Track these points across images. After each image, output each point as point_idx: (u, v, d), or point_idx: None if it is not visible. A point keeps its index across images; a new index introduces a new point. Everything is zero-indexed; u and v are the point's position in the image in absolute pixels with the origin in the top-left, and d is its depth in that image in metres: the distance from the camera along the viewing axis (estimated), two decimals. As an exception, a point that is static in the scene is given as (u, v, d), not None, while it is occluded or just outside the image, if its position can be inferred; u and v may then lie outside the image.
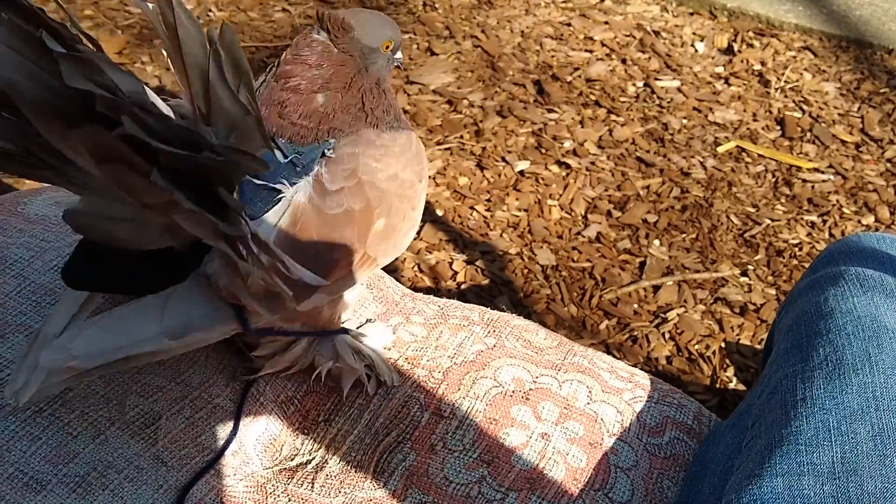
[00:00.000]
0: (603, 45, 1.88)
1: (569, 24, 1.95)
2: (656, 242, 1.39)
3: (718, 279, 1.33)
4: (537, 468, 0.63)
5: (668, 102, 1.71)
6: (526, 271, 1.33)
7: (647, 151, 1.58)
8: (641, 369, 0.81)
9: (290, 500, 0.60)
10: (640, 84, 1.76)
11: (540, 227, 1.41)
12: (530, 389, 0.69)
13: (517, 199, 1.46)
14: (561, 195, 1.47)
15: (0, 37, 0.37)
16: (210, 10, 1.94)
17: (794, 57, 1.86)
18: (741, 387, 1.18)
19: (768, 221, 1.44)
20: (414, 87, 1.72)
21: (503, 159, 1.54)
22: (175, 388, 0.63)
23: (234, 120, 0.45)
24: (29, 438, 0.57)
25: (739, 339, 1.24)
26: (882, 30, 1.90)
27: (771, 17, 1.95)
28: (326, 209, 0.56)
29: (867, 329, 0.62)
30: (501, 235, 1.39)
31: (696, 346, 1.22)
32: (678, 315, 1.26)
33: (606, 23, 1.95)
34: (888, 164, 1.57)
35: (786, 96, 1.74)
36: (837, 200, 1.49)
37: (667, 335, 1.24)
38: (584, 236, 1.40)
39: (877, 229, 1.44)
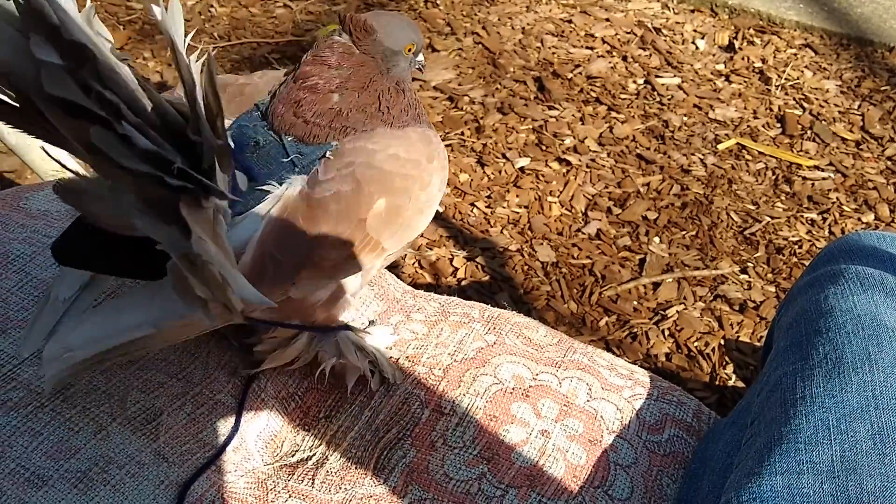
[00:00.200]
0: (604, 41, 1.87)
1: (570, 21, 1.94)
2: (656, 239, 1.39)
3: (718, 276, 1.33)
4: (537, 465, 0.63)
5: (669, 100, 1.71)
6: (526, 268, 1.33)
7: (648, 148, 1.58)
8: (641, 366, 0.81)
9: (290, 496, 0.60)
10: (641, 81, 1.76)
11: (540, 223, 1.41)
12: (530, 386, 0.69)
13: (518, 196, 1.46)
14: (561, 192, 1.47)
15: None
16: (212, 6, 1.94)
17: (795, 54, 1.86)
18: (740, 384, 1.18)
19: (768, 219, 1.44)
20: (415, 84, 1.71)
21: (504, 156, 1.54)
22: (176, 383, 0.63)
23: (211, 143, 0.45)
24: (30, 434, 0.57)
25: (739, 337, 1.24)
26: (883, 27, 1.90)
27: (772, 15, 1.95)
28: (314, 195, 0.56)
29: (867, 327, 0.62)
30: (502, 232, 1.39)
31: (696, 344, 1.23)
32: (678, 312, 1.27)
33: (607, 20, 1.95)
34: (888, 162, 1.57)
35: (786, 94, 1.74)
36: (837, 198, 1.49)
37: (666, 332, 1.24)
38: (584, 233, 1.40)
39: (877, 227, 1.44)
